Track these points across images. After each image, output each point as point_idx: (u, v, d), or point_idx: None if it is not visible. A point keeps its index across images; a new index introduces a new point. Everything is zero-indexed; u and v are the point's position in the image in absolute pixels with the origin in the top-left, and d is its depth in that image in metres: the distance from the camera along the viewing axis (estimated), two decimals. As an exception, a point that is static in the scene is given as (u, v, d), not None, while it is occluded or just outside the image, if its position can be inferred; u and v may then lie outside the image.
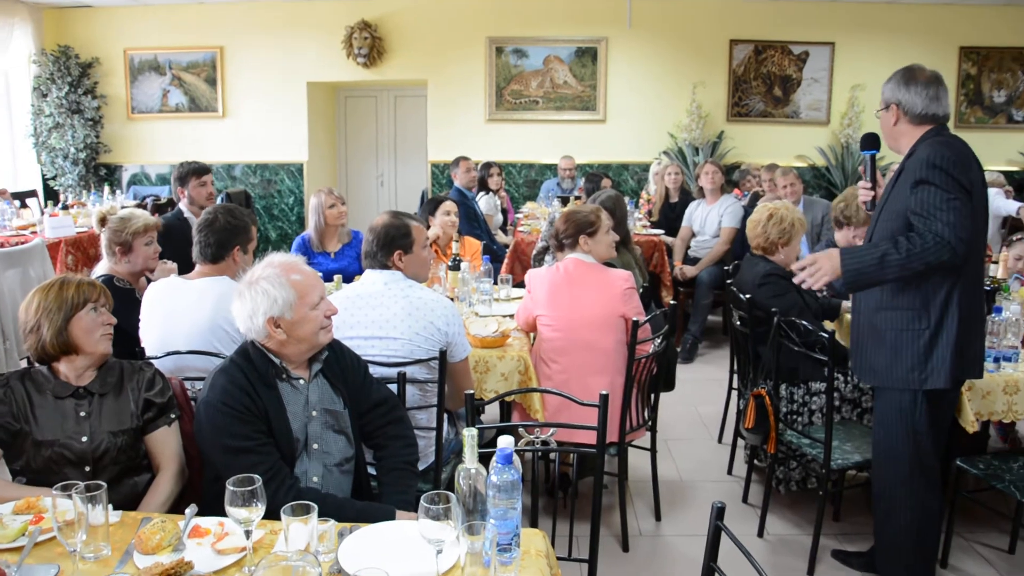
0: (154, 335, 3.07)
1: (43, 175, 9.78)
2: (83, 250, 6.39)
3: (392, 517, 2.20)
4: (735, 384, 4.50)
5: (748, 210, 6.50)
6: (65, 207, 7.77)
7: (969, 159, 2.78)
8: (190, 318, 3.02)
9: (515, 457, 1.78)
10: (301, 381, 2.39)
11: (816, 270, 2.84)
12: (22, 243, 5.50)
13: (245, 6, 9.74)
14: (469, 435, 1.81)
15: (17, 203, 7.67)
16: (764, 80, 9.76)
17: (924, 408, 2.90)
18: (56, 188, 9.62)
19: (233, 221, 3.21)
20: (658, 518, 3.83)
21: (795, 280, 2.97)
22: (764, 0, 9.52)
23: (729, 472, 4.33)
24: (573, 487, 2.80)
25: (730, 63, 9.74)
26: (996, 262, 4.43)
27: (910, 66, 2.96)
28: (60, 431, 2.32)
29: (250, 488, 1.78)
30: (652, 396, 3.78)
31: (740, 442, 4.32)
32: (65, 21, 9.85)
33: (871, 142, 3.12)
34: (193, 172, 5.06)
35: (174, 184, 5.15)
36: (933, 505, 3.00)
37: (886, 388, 2.98)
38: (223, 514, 1.99)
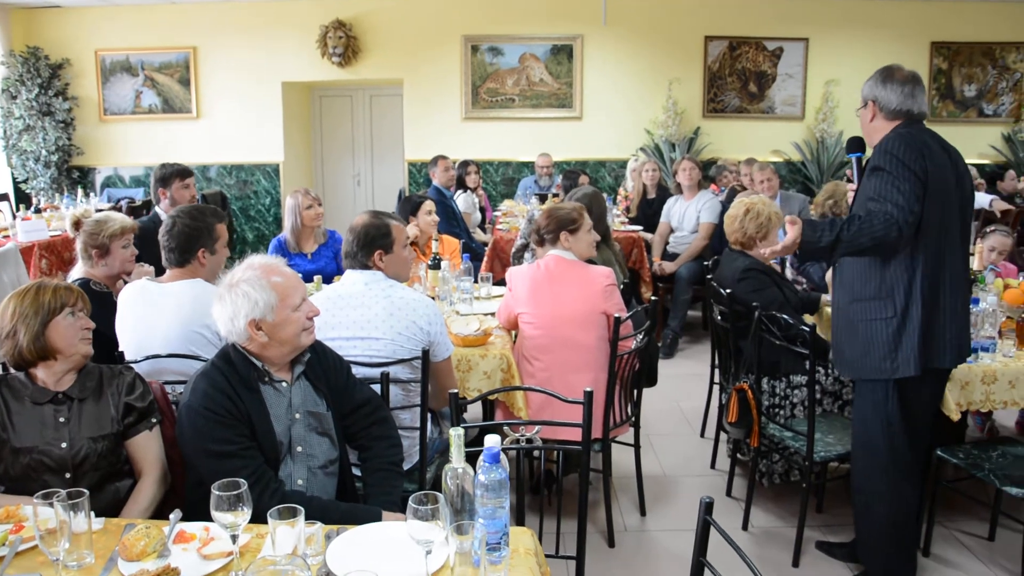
0: (129, 339, 3.03)
1: (14, 178, 9.66)
2: (57, 254, 6.32)
3: (378, 518, 2.18)
4: (716, 379, 4.52)
5: (726, 205, 6.53)
6: (38, 210, 7.67)
7: (925, 147, 2.81)
8: (165, 322, 2.98)
9: (502, 456, 1.77)
10: (284, 384, 2.37)
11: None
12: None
13: (218, 6, 9.66)
14: (456, 435, 1.80)
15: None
16: (739, 76, 9.81)
17: (896, 399, 2.93)
18: (28, 191, 9.50)
19: (192, 224, 3.13)
20: (643, 513, 3.84)
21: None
22: (738, -4, 9.58)
23: (712, 466, 4.35)
24: (558, 484, 2.80)
25: (705, 59, 9.78)
26: (972, 254, 4.48)
27: (889, 65, 3.00)
28: (39, 438, 2.29)
29: (236, 492, 1.76)
30: (635, 392, 3.78)
31: (723, 436, 4.34)
32: (34, 22, 9.72)
33: (857, 145, 3.16)
34: (177, 174, 4.94)
35: (154, 185, 5.02)
36: (910, 496, 3.04)
37: (862, 380, 3.02)
38: (207, 519, 1.97)
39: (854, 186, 3.13)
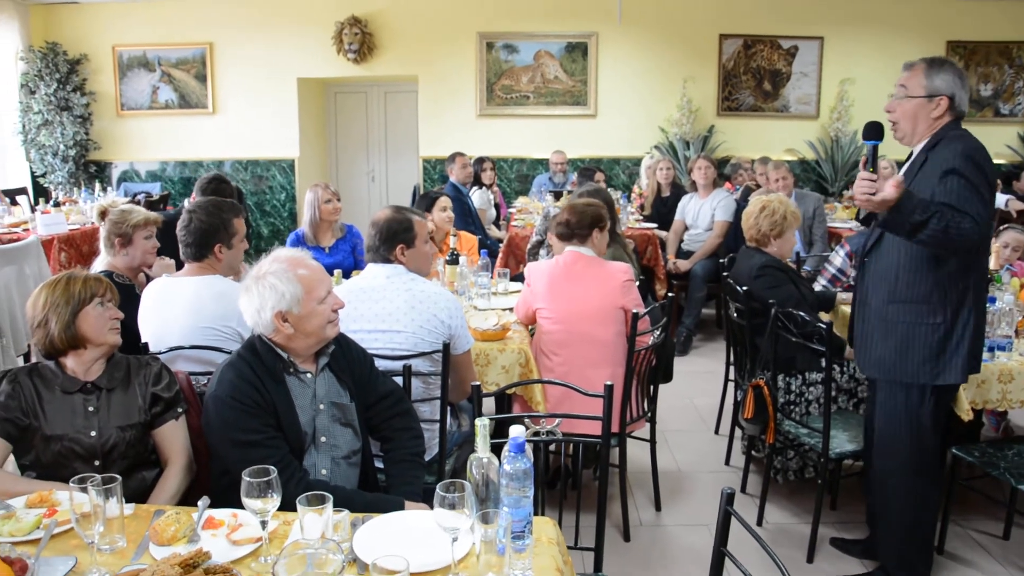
0: (149, 332, 3.08)
1: (32, 172, 9.73)
2: (76, 247, 6.38)
3: (401, 508, 2.22)
4: (731, 376, 4.54)
5: (740, 204, 6.56)
6: (56, 204, 7.74)
7: (988, 158, 2.79)
8: (180, 317, 3.02)
9: (527, 446, 1.80)
10: (308, 375, 2.41)
11: (875, 192, 2.64)
12: (16, 240, 5.48)
13: (234, 2, 9.71)
14: (481, 425, 1.83)
15: (7, 201, 7.64)
16: (754, 74, 9.80)
17: (932, 403, 2.92)
18: (46, 185, 9.57)
19: (208, 219, 3.15)
20: (658, 508, 3.87)
21: (855, 190, 2.75)
22: (753, -6, 9.57)
23: (727, 463, 4.37)
24: (577, 477, 2.83)
25: (720, 58, 9.77)
26: (989, 254, 4.48)
27: (947, 59, 2.92)
28: (69, 426, 2.33)
29: (266, 479, 1.80)
30: (651, 387, 3.81)
31: (737, 433, 4.36)
32: (52, 18, 9.79)
33: (875, 131, 3.07)
34: (216, 190, 4.94)
35: (196, 192, 5.00)
36: (932, 495, 3.04)
37: (892, 381, 2.97)
38: (232, 507, 2.01)
39: (870, 175, 3.04)
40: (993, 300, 3.49)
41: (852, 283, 4.44)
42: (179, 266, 3.69)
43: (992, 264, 4.45)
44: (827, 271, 4.68)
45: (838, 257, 4.64)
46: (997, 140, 9.65)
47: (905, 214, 2.60)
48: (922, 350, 2.86)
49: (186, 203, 4.94)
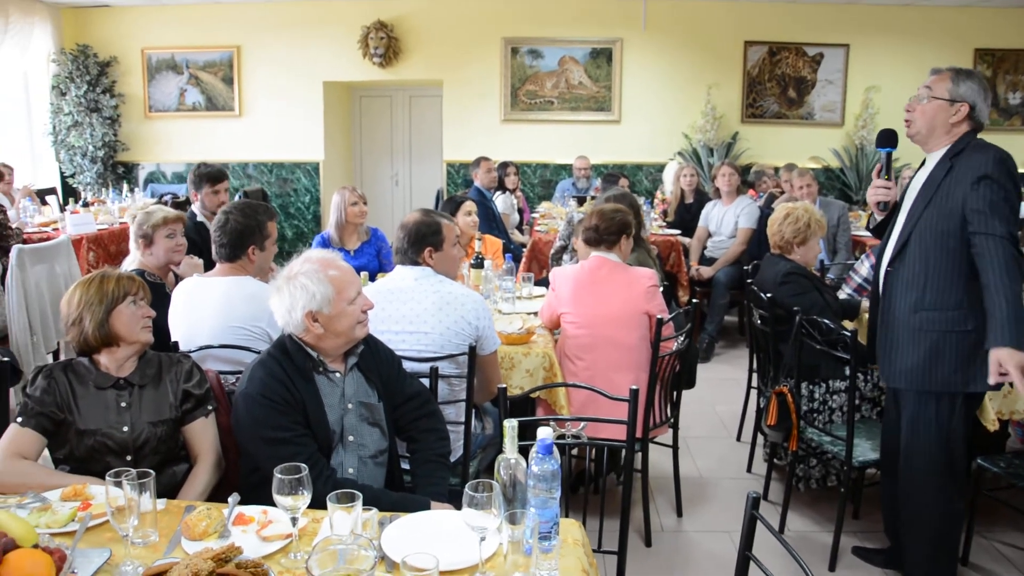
0: (179, 331, 3.13)
1: (61, 173, 9.87)
2: (104, 247, 6.47)
3: (427, 508, 2.24)
4: (754, 383, 4.53)
5: (764, 211, 6.54)
6: (85, 204, 7.84)
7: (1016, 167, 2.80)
8: (210, 316, 3.08)
9: (555, 448, 1.82)
10: (337, 374, 2.44)
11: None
12: (47, 239, 5.56)
13: (262, 6, 9.81)
14: (509, 426, 1.85)
15: (38, 200, 7.75)
16: (778, 81, 9.78)
17: (962, 412, 2.90)
18: (75, 186, 9.71)
19: (243, 221, 3.22)
20: (679, 514, 3.87)
21: (869, 196, 2.98)
22: (779, 2, 9.54)
23: (748, 470, 4.36)
24: (596, 483, 2.84)
25: (744, 64, 9.76)
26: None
27: (971, 70, 2.92)
28: (102, 421, 2.37)
29: (297, 476, 1.83)
30: (675, 393, 3.82)
31: (759, 440, 4.36)
32: (84, 21, 9.94)
33: (889, 139, 3.09)
34: (207, 178, 5.02)
35: (189, 187, 5.15)
36: (960, 506, 3.01)
37: (922, 392, 2.93)
38: (261, 504, 2.05)
39: (886, 183, 3.07)
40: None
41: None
42: (208, 267, 3.76)
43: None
44: (852, 280, 4.66)
45: (864, 267, 4.62)
46: (1024, 149, 9.57)
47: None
48: (954, 359, 2.84)
49: (195, 207, 5.02)
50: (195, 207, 5.07)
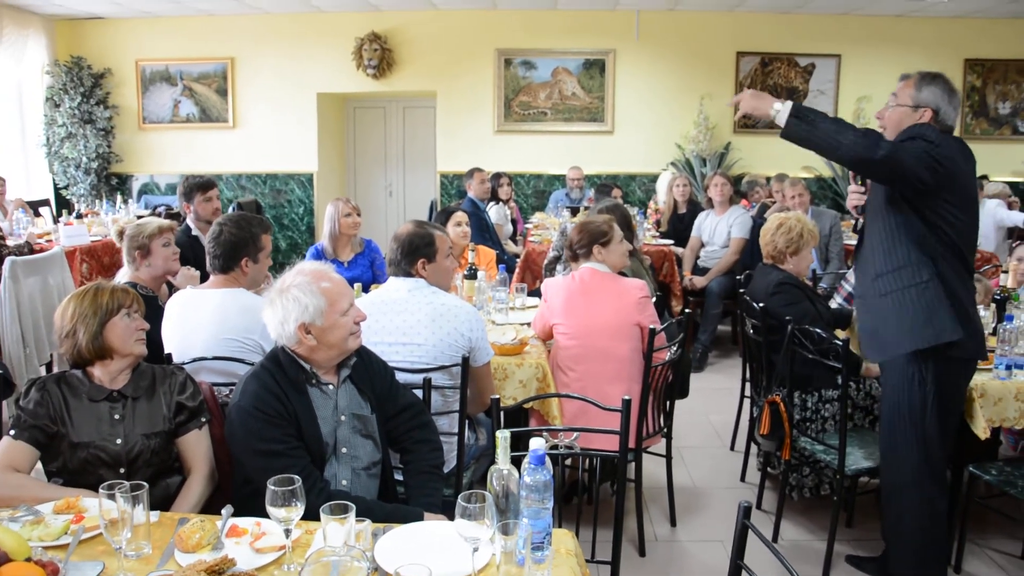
0: (172, 343, 3.13)
1: (55, 184, 9.86)
2: (97, 259, 6.46)
3: (420, 519, 2.24)
4: (747, 392, 4.54)
5: (756, 221, 6.57)
6: (79, 216, 7.84)
7: (957, 149, 2.84)
8: (204, 328, 3.08)
9: (547, 458, 1.83)
10: (330, 386, 2.44)
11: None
12: (40, 251, 5.56)
13: (255, 17, 9.83)
14: (502, 437, 1.86)
15: (31, 212, 7.74)
16: (771, 92, 9.74)
17: (932, 377, 2.91)
18: (68, 197, 9.70)
19: (238, 233, 3.23)
20: (673, 524, 3.88)
21: (847, 202, 3.06)
22: (771, 13, 9.60)
23: (742, 479, 4.37)
24: (593, 492, 2.85)
25: (737, 75, 9.81)
26: (1006, 272, 4.48)
27: (939, 73, 2.98)
28: (95, 433, 2.38)
29: (290, 488, 1.84)
30: (667, 403, 3.83)
31: (753, 449, 4.37)
32: (78, 32, 9.95)
33: None
34: (198, 187, 5.01)
35: (180, 200, 5.14)
36: (942, 509, 3.04)
37: (895, 363, 2.99)
38: (254, 516, 2.05)
39: (859, 188, 3.15)
40: (1011, 319, 3.49)
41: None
42: (203, 279, 3.76)
43: (1010, 283, 4.44)
44: (843, 289, 4.69)
45: (853, 275, 4.65)
46: (1015, 158, 9.63)
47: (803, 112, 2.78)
48: (920, 312, 2.89)
49: (189, 219, 5.02)
50: (188, 220, 5.06)
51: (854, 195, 3.18)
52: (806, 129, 2.77)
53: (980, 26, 9.56)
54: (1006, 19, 9.49)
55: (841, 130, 2.73)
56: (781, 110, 2.81)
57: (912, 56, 9.51)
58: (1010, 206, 7.62)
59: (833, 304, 4.60)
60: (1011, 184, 8.81)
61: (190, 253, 4.45)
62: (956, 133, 3.00)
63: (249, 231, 3.26)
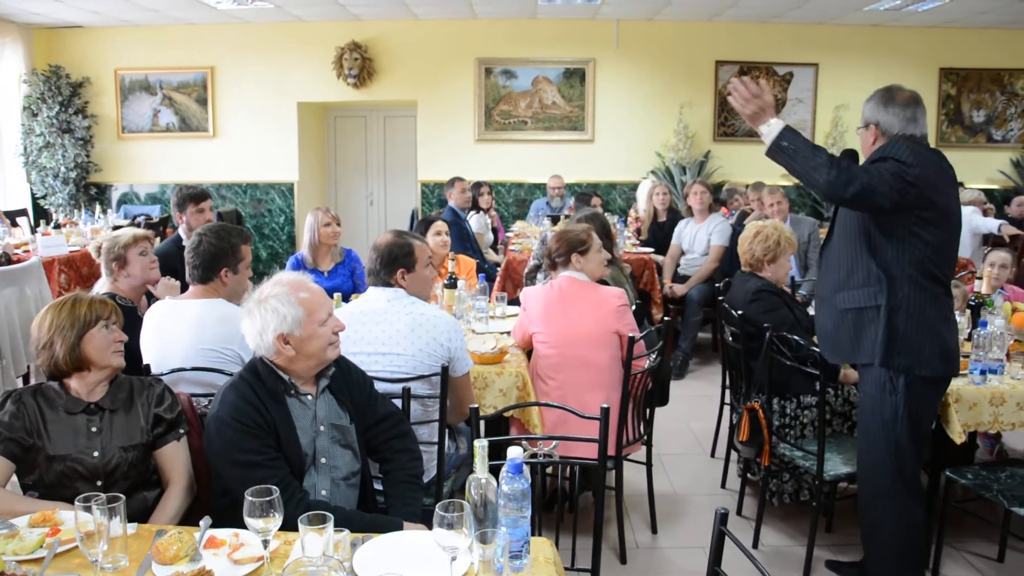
0: (151, 353, 3.11)
1: (33, 194, 9.79)
2: (76, 269, 6.42)
3: (399, 529, 2.24)
4: (727, 399, 4.57)
5: (736, 228, 6.61)
6: (57, 226, 7.78)
7: (929, 161, 2.85)
8: (183, 338, 3.06)
9: (525, 467, 1.84)
10: (309, 397, 2.44)
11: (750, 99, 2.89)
12: (17, 261, 5.52)
13: (235, 27, 9.81)
14: (480, 446, 1.87)
15: (8, 222, 7.69)
16: (750, 100, 9.87)
17: (903, 388, 2.94)
18: (46, 207, 9.63)
19: (217, 243, 3.21)
20: (654, 531, 3.89)
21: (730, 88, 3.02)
22: (749, 22, 9.68)
23: (723, 486, 4.39)
24: (574, 500, 2.86)
25: (716, 84, 9.89)
26: (980, 278, 4.54)
27: (889, 87, 3.04)
28: (72, 446, 2.36)
29: (268, 499, 1.83)
30: (647, 411, 3.84)
31: (733, 456, 4.39)
32: (56, 41, 9.89)
33: (851, 158, 3.20)
34: (191, 198, 4.96)
35: (173, 210, 5.10)
36: (918, 516, 3.06)
37: (864, 370, 3.04)
38: (233, 527, 2.04)
39: None
40: (984, 324, 3.53)
41: None
42: (183, 290, 3.75)
43: (984, 289, 4.49)
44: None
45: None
46: (990, 166, 9.77)
47: (791, 136, 2.84)
48: (872, 333, 2.94)
49: (181, 229, 4.99)
50: (180, 230, 5.02)
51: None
52: (785, 159, 2.85)
53: (955, 36, 9.69)
54: (980, 29, 9.62)
55: (817, 166, 2.77)
56: (769, 131, 2.86)
57: (888, 65, 9.64)
58: (985, 213, 7.70)
59: (811, 311, 4.64)
60: (986, 191, 8.91)
61: (179, 263, 4.42)
62: (932, 142, 3.02)
63: (228, 241, 3.25)
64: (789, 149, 2.82)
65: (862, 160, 3.09)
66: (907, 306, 2.90)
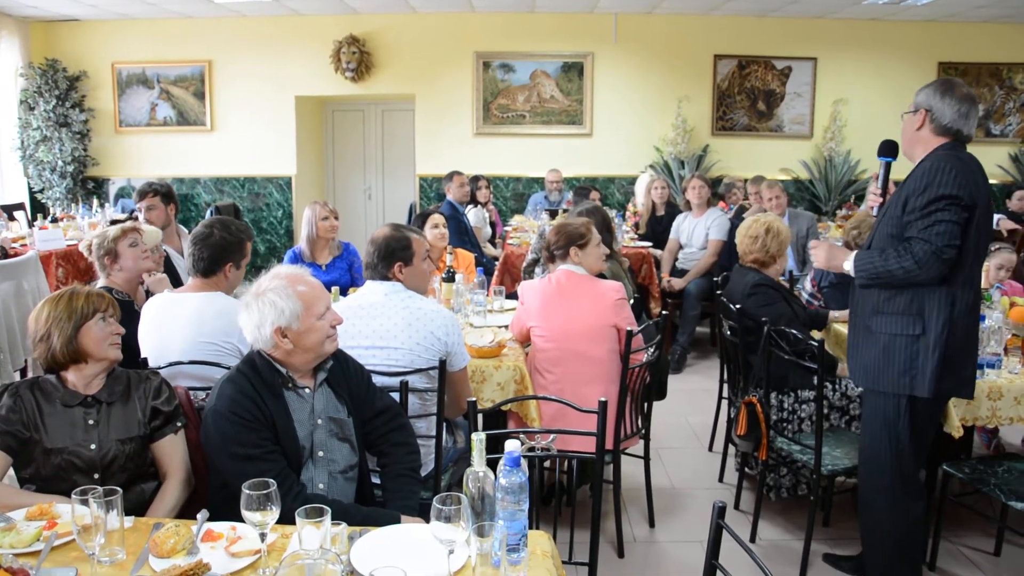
0: (149, 346, 3.11)
1: (30, 188, 9.77)
2: (73, 263, 6.40)
3: (397, 522, 2.24)
4: (725, 393, 4.57)
5: (734, 223, 6.61)
6: (54, 220, 7.76)
7: (973, 173, 2.83)
8: (181, 331, 3.06)
9: (522, 460, 1.84)
10: (307, 390, 2.44)
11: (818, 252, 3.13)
12: (15, 255, 5.51)
13: (233, 20, 9.78)
14: (478, 440, 1.86)
15: (5, 216, 7.66)
16: (748, 94, 9.90)
17: (908, 416, 2.96)
18: (44, 201, 9.61)
19: (228, 237, 3.22)
20: (652, 525, 3.89)
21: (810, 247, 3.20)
22: (748, 16, 9.67)
23: (720, 480, 4.40)
24: (572, 493, 2.86)
25: (714, 78, 9.87)
26: (976, 267, 4.53)
27: (950, 78, 2.99)
28: (69, 439, 2.36)
29: (265, 492, 1.83)
30: (645, 405, 3.84)
31: (731, 450, 4.39)
32: (53, 34, 9.86)
33: (889, 149, 3.16)
34: (138, 194, 5.06)
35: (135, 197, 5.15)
36: (916, 511, 3.06)
37: (874, 392, 3.04)
38: (231, 520, 2.04)
39: (877, 189, 3.18)
40: (983, 318, 3.53)
41: (823, 305, 4.54)
42: (175, 286, 3.74)
43: (983, 283, 4.49)
44: (801, 295, 4.79)
45: (807, 283, 4.80)
46: (989, 160, 9.75)
47: (863, 267, 2.95)
48: (901, 362, 2.93)
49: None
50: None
51: (870, 196, 3.25)
52: (874, 280, 2.94)
53: (953, 30, 9.68)
54: (979, 23, 9.61)
55: (893, 268, 2.83)
56: (849, 268, 3.01)
57: (887, 59, 9.64)
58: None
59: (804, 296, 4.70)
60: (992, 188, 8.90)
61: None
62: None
63: (237, 236, 3.26)
64: (862, 274, 2.95)
65: (901, 143, 3.06)
66: (938, 336, 2.86)
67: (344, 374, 2.54)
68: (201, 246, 3.19)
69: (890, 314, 2.94)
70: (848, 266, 2.99)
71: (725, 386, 4.52)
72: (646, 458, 3.93)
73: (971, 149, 2.99)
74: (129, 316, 3.32)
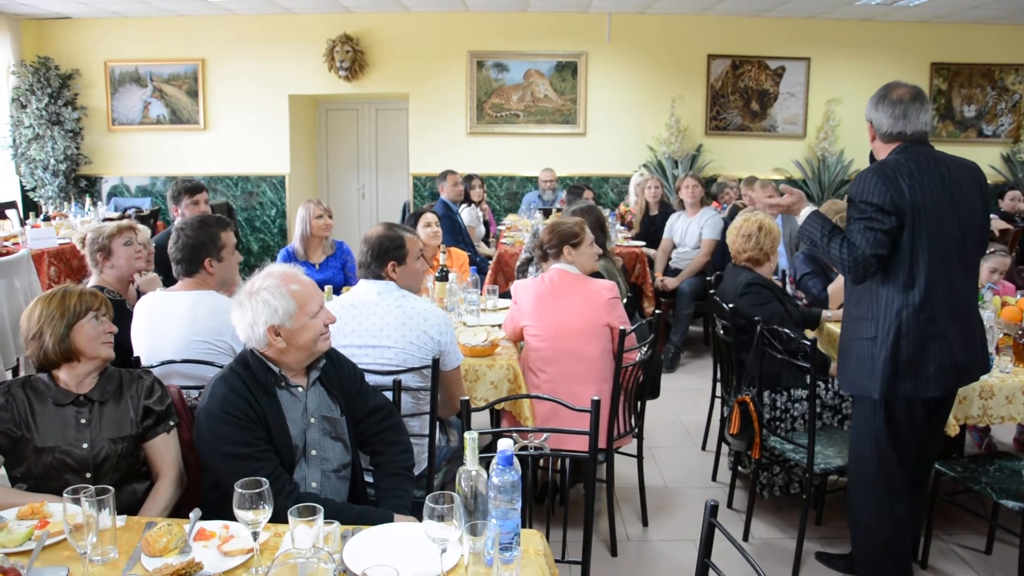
0: (141, 346, 3.10)
1: (22, 186, 9.73)
2: (66, 262, 6.39)
3: (390, 521, 2.24)
4: (718, 392, 4.58)
5: (727, 222, 6.62)
6: (47, 219, 7.74)
7: (907, 177, 2.82)
8: (174, 330, 3.06)
9: (515, 459, 1.84)
10: (299, 389, 2.44)
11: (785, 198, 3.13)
12: (6, 254, 5.49)
13: (227, 19, 9.76)
14: (470, 438, 1.86)
15: (-3, 215, 7.65)
16: (741, 94, 9.91)
17: (883, 416, 2.97)
18: (36, 199, 9.57)
19: (195, 235, 3.20)
20: (645, 523, 3.90)
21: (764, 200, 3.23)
22: (741, 16, 9.68)
23: (713, 479, 4.41)
24: (564, 492, 2.86)
25: (708, 77, 9.88)
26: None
27: (888, 84, 3.01)
28: (61, 438, 2.35)
29: (257, 491, 1.83)
30: (638, 404, 3.85)
31: (724, 449, 4.40)
32: (45, 32, 9.82)
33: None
34: (186, 191, 4.93)
35: (169, 203, 5.06)
36: (900, 512, 3.06)
37: (854, 395, 3.10)
38: (223, 519, 2.04)
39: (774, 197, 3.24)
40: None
41: (807, 303, 4.57)
42: (168, 285, 3.73)
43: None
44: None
45: (788, 285, 4.86)
46: (980, 160, 9.67)
47: (815, 227, 3.00)
48: (863, 364, 2.97)
49: (177, 223, 4.97)
50: (176, 223, 4.99)
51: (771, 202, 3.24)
52: (804, 234, 3.05)
53: (946, 31, 9.71)
54: (971, 24, 9.64)
55: (831, 246, 2.91)
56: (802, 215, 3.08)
57: (880, 60, 9.66)
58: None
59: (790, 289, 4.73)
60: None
61: None
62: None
63: (207, 232, 3.24)
64: (805, 233, 3.03)
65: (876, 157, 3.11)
66: (885, 336, 2.89)
67: (337, 373, 2.54)
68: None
69: (854, 319, 3.02)
70: (801, 218, 3.06)
71: (718, 385, 4.53)
72: (639, 457, 3.93)
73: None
74: (121, 315, 3.31)
